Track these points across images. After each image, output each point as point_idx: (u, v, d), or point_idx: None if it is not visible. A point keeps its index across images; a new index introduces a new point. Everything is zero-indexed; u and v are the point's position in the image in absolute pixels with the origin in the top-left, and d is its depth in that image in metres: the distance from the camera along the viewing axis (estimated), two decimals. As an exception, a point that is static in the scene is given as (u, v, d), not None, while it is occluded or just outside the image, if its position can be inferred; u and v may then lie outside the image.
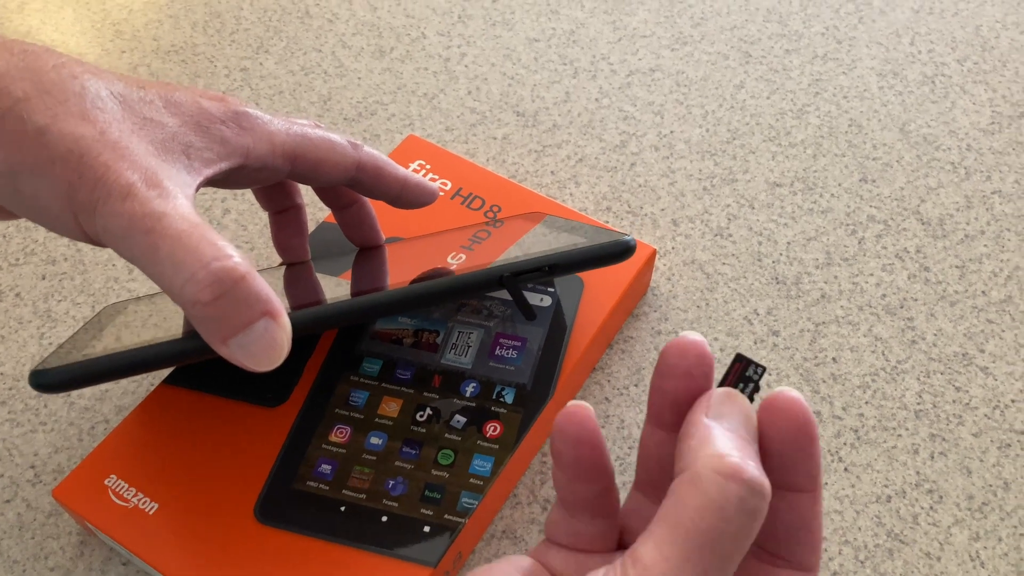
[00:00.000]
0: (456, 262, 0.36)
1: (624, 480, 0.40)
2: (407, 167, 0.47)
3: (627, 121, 0.54)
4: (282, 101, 0.55)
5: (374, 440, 0.37)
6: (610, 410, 0.42)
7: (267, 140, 0.32)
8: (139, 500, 0.36)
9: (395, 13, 0.61)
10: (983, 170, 0.52)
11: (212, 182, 0.33)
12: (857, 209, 0.50)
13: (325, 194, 0.39)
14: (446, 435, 0.37)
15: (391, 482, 0.36)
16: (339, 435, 0.37)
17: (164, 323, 0.33)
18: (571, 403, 0.23)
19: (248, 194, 0.51)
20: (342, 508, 0.35)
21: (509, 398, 0.38)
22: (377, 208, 0.46)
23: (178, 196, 0.27)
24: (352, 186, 0.37)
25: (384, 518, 0.35)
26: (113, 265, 0.47)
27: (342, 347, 0.40)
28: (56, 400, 0.42)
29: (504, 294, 0.42)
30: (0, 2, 0.61)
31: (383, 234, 0.44)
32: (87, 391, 0.42)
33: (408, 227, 0.45)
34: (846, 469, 0.40)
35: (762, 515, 0.20)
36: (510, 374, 0.39)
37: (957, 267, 0.47)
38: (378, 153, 0.37)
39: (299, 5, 0.61)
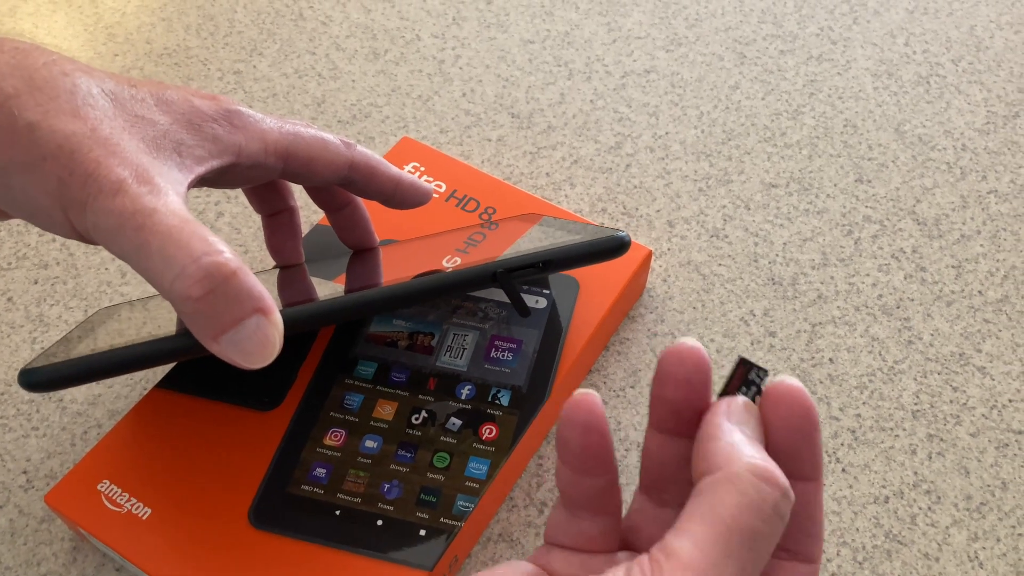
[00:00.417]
0: (452, 265, 0.36)
1: (621, 481, 0.40)
2: (402, 169, 0.47)
3: (622, 122, 0.54)
4: (276, 104, 0.55)
5: (369, 443, 0.37)
6: (607, 412, 0.42)
7: (259, 138, 0.32)
8: (132, 505, 0.35)
9: (389, 15, 0.61)
10: (978, 170, 0.52)
11: (204, 181, 0.33)
12: (853, 210, 0.50)
13: (318, 195, 0.39)
14: (441, 438, 0.37)
15: (386, 485, 0.36)
16: (334, 438, 0.37)
17: (157, 326, 0.33)
18: (579, 391, 0.23)
19: (241, 197, 0.51)
20: (337, 512, 0.35)
21: (505, 400, 0.38)
22: (371, 211, 0.45)
23: (169, 193, 0.27)
24: (345, 186, 0.37)
25: (379, 522, 0.35)
26: (106, 269, 0.47)
27: (336, 350, 0.40)
28: (48, 405, 0.42)
29: (499, 296, 0.42)
30: (-8, 6, 0.61)
31: (377, 236, 0.43)
32: (80, 395, 0.42)
33: (403, 230, 0.45)
34: (844, 470, 0.40)
35: (787, 521, 0.21)
36: (506, 376, 0.39)
37: (953, 267, 0.47)
38: (371, 152, 0.37)
39: (293, 8, 0.61)
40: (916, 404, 0.42)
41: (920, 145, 0.53)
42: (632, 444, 0.41)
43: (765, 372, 0.23)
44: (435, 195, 0.46)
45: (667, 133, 0.53)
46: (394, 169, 0.38)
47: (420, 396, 0.38)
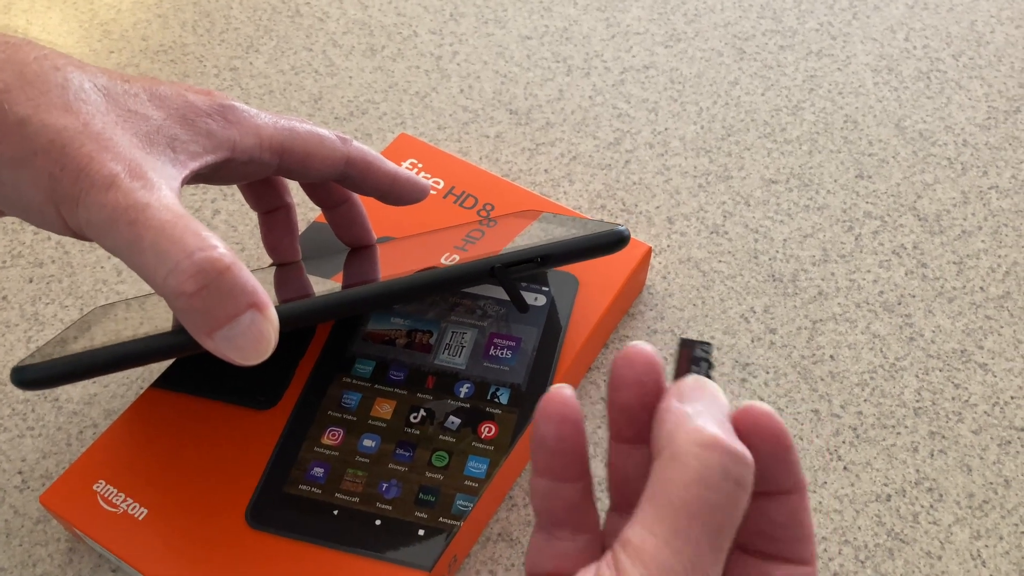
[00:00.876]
0: (450, 263, 0.36)
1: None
2: (399, 166, 0.47)
3: (621, 118, 0.54)
4: (272, 101, 0.55)
5: (367, 442, 0.37)
6: (606, 410, 0.41)
7: (254, 133, 0.32)
8: (128, 505, 0.35)
9: (386, 11, 0.60)
10: (979, 165, 0.52)
11: (199, 176, 0.33)
12: (853, 205, 0.50)
13: (315, 192, 0.39)
14: (440, 437, 0.37)
15: (385, 485, 0.35)
16: (331, 437, 0.37)
17: (153, 324, 0.32)
18: (553, 386, 0.23)
19: (237, 195, 0.50)
20: (335, 512, 0.35)
21: (504, 399, 0.38)
22: (369, 208, 0.45)
23: (162, 187, 0.26)
24: (341, 182, 0.37)
25: (378, 521, 0.34)
26: (102, 267, 0.47)
27: (334, 348, 0.39)
28: (44, 404, 0.41)
29: (498, 293, 0.42)
30: (-14, 2, 0.61)
31: (375, 233, 0.43)
32: (75, 395, 0.42)
33: (400, 227, 0.44)
34: (845, 468, 0.40)
35: (748, 484, 0.20)
36: (505, 374, 0.39)
37: (955, 263, 0.47)
38: (368, 148, 0.37)
39: (289, 4, 0.61)
40: (918, 401, 0.42)
41: (921, 141, 0.53)
42: (632, 442, 0.40)
43: (709, 345, 0.23)
44: (432, 192, 0.46)
45: (666, 129, 0.53)
46: (391, 165, 0.37)
47: (418, 394, 0.38)
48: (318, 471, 0.36)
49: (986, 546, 0.38)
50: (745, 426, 0.22)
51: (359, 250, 0.41)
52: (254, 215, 0.49)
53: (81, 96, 0.28)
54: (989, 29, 0.59)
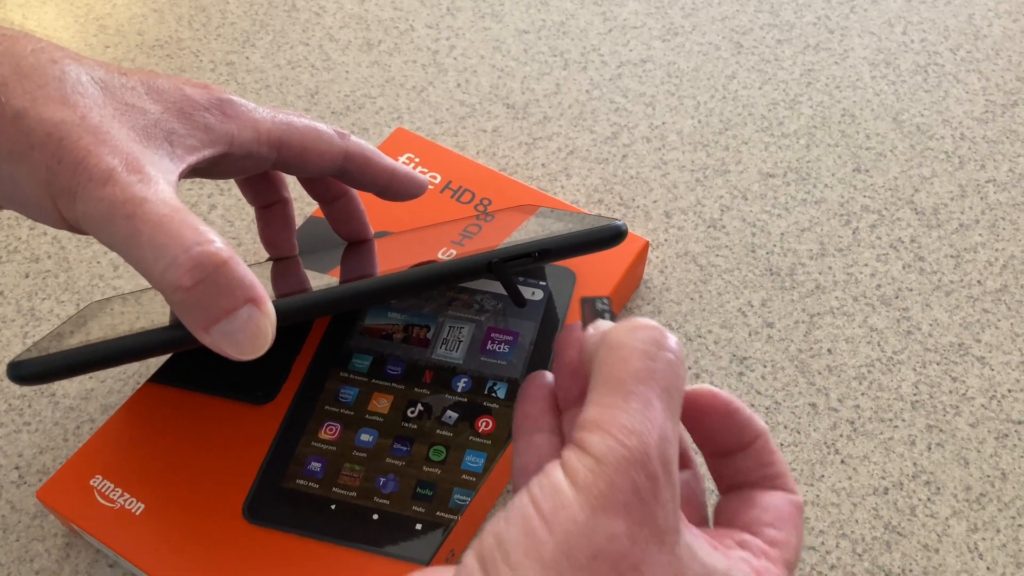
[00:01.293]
0: (447, 258, 0.35)
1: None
2: (396, 160, 0.47)
3: (618, 113, 0.54)
4: (269, 95, 0.54)
5: (364, 437, 0.37)
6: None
7: (252, 127, 0.32)
8: (125, 500, 0.35)
9: (383, 6, 0.60)
10: (977, 159, 0.52)
11: (196, 170, 0.33)
12: (851, 199, 0.50)
13: (312, 186, 0.39)
14: (437, 431, 0.37)
15: (382, 479, 0.35)
16: (329, 432, 0.37)
17: (150, 319, 0.32)
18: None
19: (235, 189, 0.50)
20: (332, 506, 0.35)
21: (501, 393, 0.38)
22: (366, 203, 0.45)
23: (160, 182, 0.26)
24: (339, 177, 0.36)
25: (375, 516, 0.34)
26: (98, 263, 0.46)
27: (331, 343, 0.39)
28: (41, 400, 0.41)
29: (495, 288, 0.42)
30: (-19, -3, 0.60)
31: (372, 228, 0.43)
32: (72, 390, 0.42)
33: (397, 221, 0.44)
34: (843, 461, 0.40)
35: (682, 355, 0.23)
36: (502, 369, 0.38)
37: (952, 256, 0.47)
38: (365, 143, 0.36)
39: (285, -2, 0.61)
40: (915, 395, 0.42)
41: (918, 134, 0.53)
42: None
43: (607, 298, 0.26)
44: (430, 186, 0.46)
45: (664, 123, 0.53)
46: (389, 160, 0.37)
47: (416, 389, 0.38)
48: (315, 466, 0.36)
49: (983, 539, 0.38)
50: (695, 408, 0.26)
51: (356, 245, 0.41)
52: (251, 210, 0.49)
53: (78, 89, 0.27)
54: (987, 23, 0.59)
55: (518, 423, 0.28)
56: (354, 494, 0.35)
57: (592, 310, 0.26)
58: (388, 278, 0.33)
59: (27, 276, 0.46)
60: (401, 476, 0.35)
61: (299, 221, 0.48)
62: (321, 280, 0.35)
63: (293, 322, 0.32)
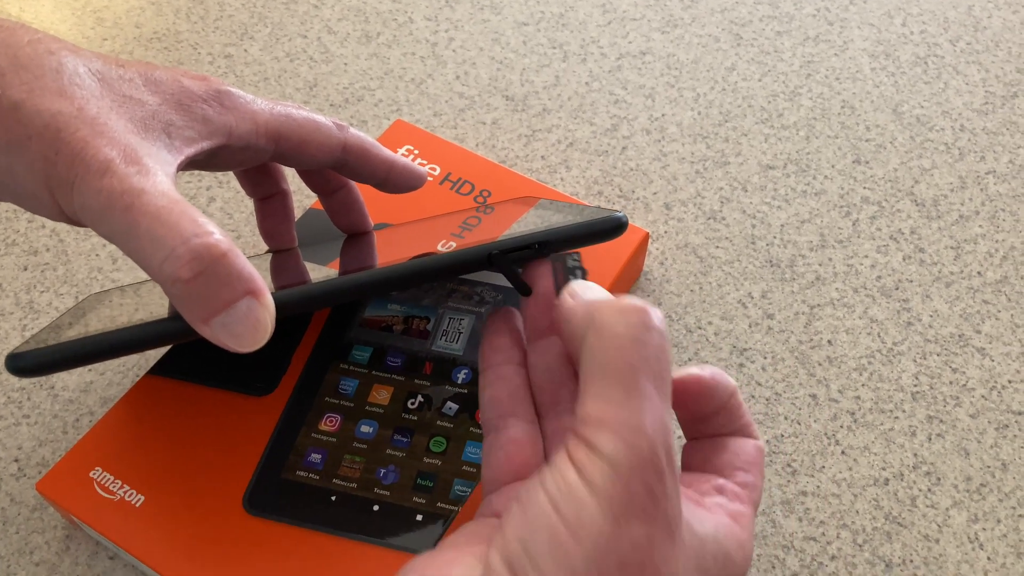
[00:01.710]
0: (447, 250, 0.35)
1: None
2: (395, 152, 0.47)
3: (618, 104, 0.53)
4: (267, 88, 0.54)
5: (364, 428, 0.36)
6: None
7: (250, 119, 0.32)
8: (125, 492, 0.35)
9: (381, -2, 0.60)
10: (977, 150, 0.51)
11: (194, 162, 0.32)
12: (851, 191, 0.49)
13: (311, 179, 0.39)
14: (438, 422, 0.37)
15: (382, 471, 0.35)
16: (329, 424, 0.37)
17: (149, 311, 0.32)
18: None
19: (233, 182, 0.50)
20: (332, 498, 0.35)
21: (502, 384, 0.38)
22: (365, 195, 0.45)
23: (158, 173, 0.26)
24: (338, 169, 0.36)
25: (375, 507, 0.34)
26: (97, 255, 0.46)
27: (331, 335, 0.39)
28: (40, 392, 0.41)
29: (494, 279, 0.42)
30: (-22, -10, 0.60)
31: (371, 220, 0.43)
32: (71, 382, 0.42)
33: (397, 213, 0.44)
34: (843, 452, 0.40)
35: (667, 334, 0.23)
36: (502, 360, 0.38)
37: (952, 248, 0.47)
38: (364, 135, 0.36)
39: (284, -10, 0.60)
40: (916, 386, 0.42)
41: (918, 126, 0.53)
42: (630, 428, 0.40)
43: (578, 253, 0.27)
44: (429, 179, 0.46)
45: (663, 115, 0.53)
46: (387, 152, 0.37)
47: (416, 380, 0.38)
48: (316, 457, 0.36)
49: (983, 529, 0.38)
50: (681, 392, 0.27)
51: (356, 237, 0.41)
52: (250, 202, 0.49)
53: (76, 81, 0.27)
54: (986, 14, 0.59)
55: (486, 355, 0.29)
56: (354, 485, 0.35)
57: (564, 268, 0.27)
58: (387, 270, 0.33)
59: (26, 269, 0.46)
60: (401, 467, 0.35)
61: (298, 213, 0.48)
62: (320, 272, 0.35)
63: (292, 314, 0.32)
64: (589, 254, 0.42)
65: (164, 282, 0.26)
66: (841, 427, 0.41)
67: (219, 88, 0.31)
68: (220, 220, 0.48)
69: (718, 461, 0.27)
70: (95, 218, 0.26)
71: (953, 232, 0.48)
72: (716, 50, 0.57)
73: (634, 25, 0.58)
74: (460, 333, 0.39)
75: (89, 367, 0.42)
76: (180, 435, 0.36)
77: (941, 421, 0.41)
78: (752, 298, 0.45)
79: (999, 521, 0.38)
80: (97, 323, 0.32)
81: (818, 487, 0.39)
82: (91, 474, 0.35)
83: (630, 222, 0.47)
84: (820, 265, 0.46)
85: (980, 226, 0.48)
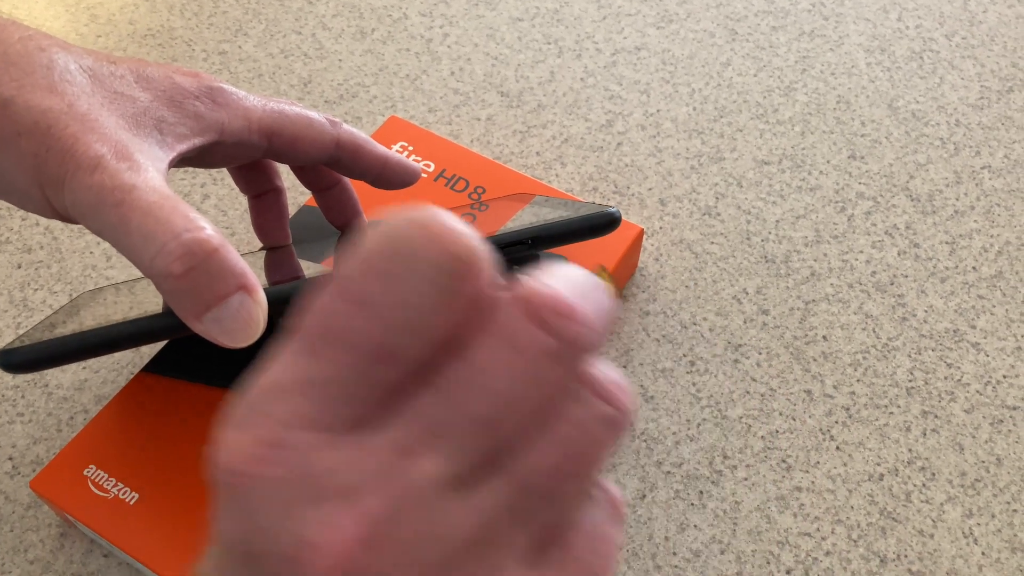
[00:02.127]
0: None
1: (614, 462, 0.39)
2: (389, 149, 0.47)
3: (613, 100, 0.53)
4: (262, 84, 0.54)
5: (359, 425, 0.36)
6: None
7: (242, 116, 0.32)
8: (119, 490, 0.35)
9: (376, -6, 0.60)
10: (972, 145, 0.51)
11: (187, 159, 0.32)
12: (846, 186, 0.49)
13: (305, 175, 0.38)
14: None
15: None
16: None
17: (142, 308, 0.32)
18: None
19: (227, 179, 0.50)
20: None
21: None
22: (359, 191, 0.45)
23: (149, 169, 0.26)
24: (331, 165, 0.36)
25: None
26: (91, 253, 0.46)
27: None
28: (34, 390, 0.41)
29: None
30: (-29, -14, 0.60)
31: (366, 217, 0.43)
32: (65, 380, 0.42)
33: (392, 210, 0.44)
34: (838, 448, 0.40)
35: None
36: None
37: (947, 243, 0.47)
38: (357, 131, 0.36)
39: (278, -13, 0.60)
40: (910, 381, 0.42)
41: (913, 121, 0.53)
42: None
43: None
44: (423, 175, 0.46)
45: (658, 111, 0.53)
46: (381, 148, 0.37)
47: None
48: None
49: (978, 524, 0.38)
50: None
51: (350, 233, 0.40)
52: (244, 199, 0.49)
53: (66, 77, 0.27)
54: (982, 9, 0.59)
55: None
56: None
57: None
58: None
59: (19, 267, 0.46)
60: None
61: (292, 210, 0.48)
62: (314, 269, 0.34)
63: (285, 310, 0.32)
64: (584, 251, 0.42)
65: (156, 277, 0.25)
66: (836, 423, 0.41)
67: (211, 84, 0.31)
68: (214, 217, 0.48)
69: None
70: (86, 214, 0.26)
71: (948, 227, 0.48)
72: (711, 45, 0.57)
73: (629, 20, 0.58)
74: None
75: (83, 365, 0.42)
76: (174, 433, 0.36)
77: (936, 416, 0.41)
78: (747, 294, 0.45)
79: (994, 516, 0.38)
80: (90, 320, 0.32)
81: (813, 483, 0.39)
82: (85, 472, 0.35)
83: (624, 218, 0.47)
84: (815, 261, 0.46)
85: (975, 221, 0.48)
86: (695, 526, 0.38)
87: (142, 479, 0.35)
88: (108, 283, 0.45)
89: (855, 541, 0.37)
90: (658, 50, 0.56)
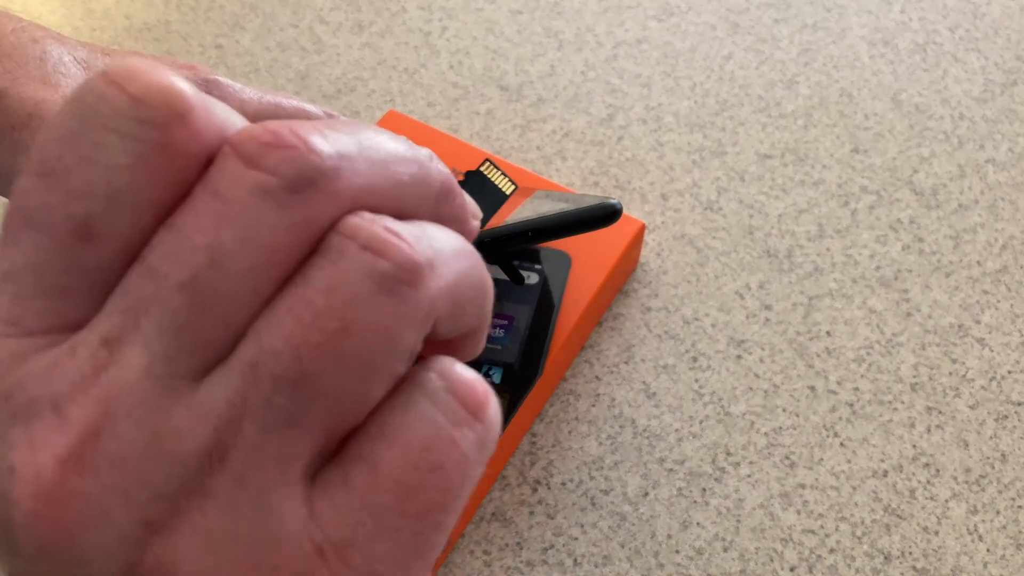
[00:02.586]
0: None
1: (616, 459, 0.39)
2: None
3: (614, 94, 0.53)
4: (259, 78, 0.54)
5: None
6: (600, 388, 0.41)
7: (238, 109, 0.31)
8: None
9: (374, -13, 0.59)
10: (976, 139, 0.51)
11: None
12: (849, 180, 0.49)
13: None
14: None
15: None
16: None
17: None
18: None
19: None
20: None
21: (496, 378, 0.37)
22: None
23: None
24: (330, 160, 0.36)
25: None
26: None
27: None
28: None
29: (492, 270, 0.41)
30: (-34, -20, 0.59)
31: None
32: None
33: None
34: (842, 444, 0.39)
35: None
36: (497, 353, 0.38)
37: (951, 237, 0.47)
38: (357, 125, 0.36)
39: (275, -20, 0.60)
40: (915, 377, 0.42)
41: (917, 114, 0.52)
42: (627, 421, 0.40)
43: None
44: (423, 169, 0.45)
45: (660, 104, 0.52)
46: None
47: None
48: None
49: (983, 521, 0.37)
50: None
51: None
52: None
53: (60, 69, 0.27)
54: (986, 1, 0.58)
55: None
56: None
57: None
58: None
59: (15, 263, 0.45)
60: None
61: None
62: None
63: None
64: (585, 246, 0.42)
65: None
66: (840, 419, 0.40)
67: (207, 77, 0.31)
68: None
69: None
70: None
71: (952, 221, 0.47)
72: (713, 38, 0.56)
73: (630, 13, 0.58)
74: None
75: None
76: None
77: (940, 412, 0.40)
78: (750, 289, 0.44)
79: (998, 512, 0.38)
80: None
81: (817, 480, 0.38)
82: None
83: (626, 213, 0.47)
84: (818, 255, 0.46)
85: (979, 215, 0.48)
86: (698, 524, 0.37)
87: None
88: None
89: (859, 538, 0.37)
90: (659, 43, 0.56)
